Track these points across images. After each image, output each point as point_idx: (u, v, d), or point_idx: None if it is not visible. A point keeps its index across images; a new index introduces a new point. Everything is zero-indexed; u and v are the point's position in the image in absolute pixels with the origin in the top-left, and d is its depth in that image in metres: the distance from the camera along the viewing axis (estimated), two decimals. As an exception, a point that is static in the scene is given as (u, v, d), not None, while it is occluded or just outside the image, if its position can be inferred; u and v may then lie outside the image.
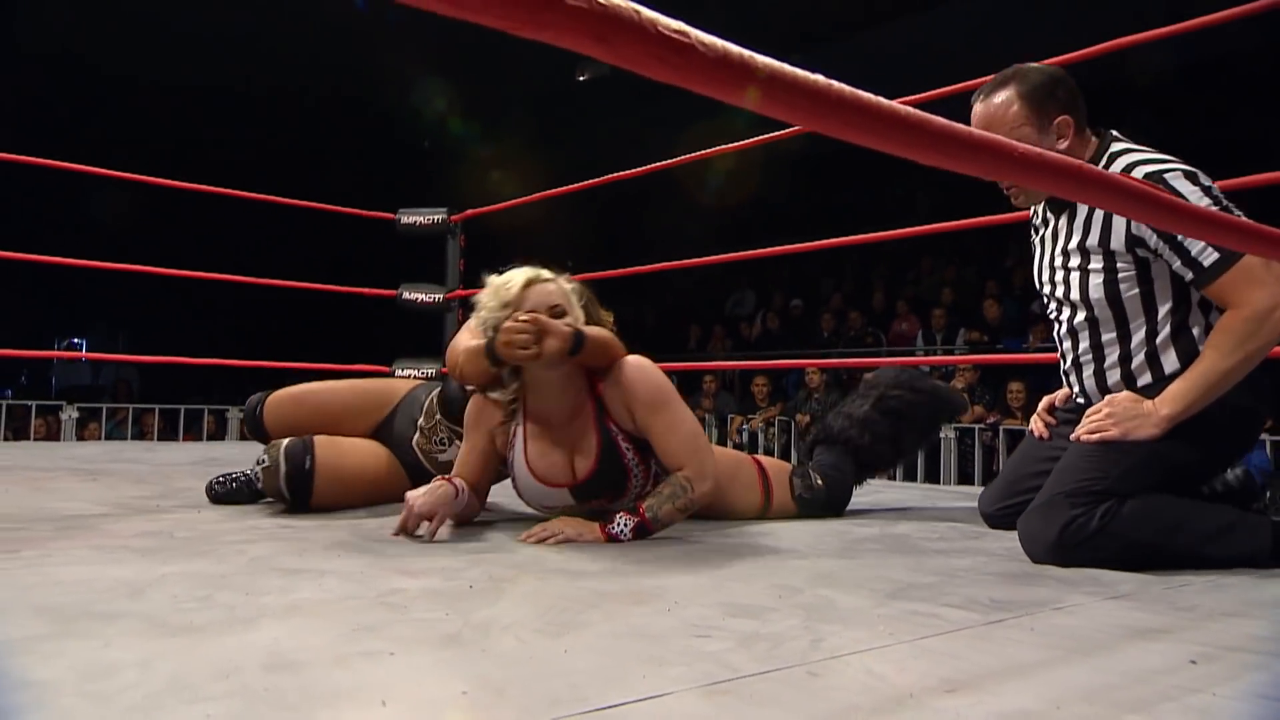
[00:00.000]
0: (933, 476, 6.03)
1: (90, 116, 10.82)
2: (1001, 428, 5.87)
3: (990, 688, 0.92)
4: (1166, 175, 1.74)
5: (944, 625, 1.18)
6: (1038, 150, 0.65)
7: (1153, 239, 1.75)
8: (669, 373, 2.03)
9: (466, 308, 5.21)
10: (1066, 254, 1.91)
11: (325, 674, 0.92)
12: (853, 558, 1.73)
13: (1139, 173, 1.76)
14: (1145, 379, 1.82)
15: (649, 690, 0.88)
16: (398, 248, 5.28)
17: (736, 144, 3.76)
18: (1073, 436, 1.82)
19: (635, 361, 1.93)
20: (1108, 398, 1.81)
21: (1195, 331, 1.78)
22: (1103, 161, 1.86)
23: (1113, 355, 1.87)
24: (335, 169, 10.95)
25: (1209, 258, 1.68)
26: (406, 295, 4.96)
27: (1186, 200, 1.71)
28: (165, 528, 1.91)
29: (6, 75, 10.03)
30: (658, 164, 4.04)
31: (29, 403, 7.52)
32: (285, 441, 2.10)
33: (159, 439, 7.10)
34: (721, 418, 7.34)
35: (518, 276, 1.85)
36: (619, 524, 1.79)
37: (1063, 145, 1.87)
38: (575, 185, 4.57)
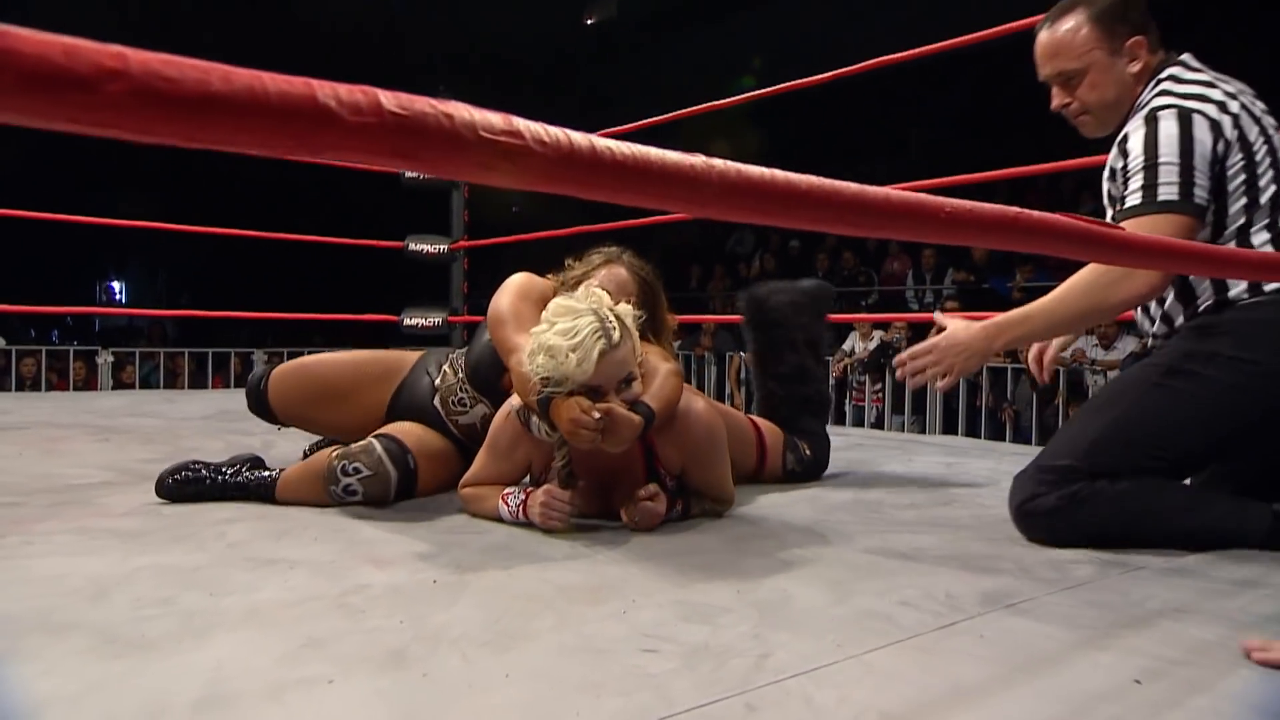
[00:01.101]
0: (919, 409, 5.96)
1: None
2: (984, 365, 5.77)
3: (927, 726, 0.85)
4: (1159, 112, 1.60)
5: (894, 633, 1.10)
6: (966, 205, 0.54)
7: (1119, 177, 1.66)
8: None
9: (471, 257, 5.13)
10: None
11: (254, 713, 0.86)
12: (820, 535, 1.66)
13: (1134, 120, 1.65)
14: (1159, 327, 1.73)
15: (577, 735, 0.81)
16: (404, 200, 5.15)
17: (733, 99, 3.56)
18: (897, 368, 1.75)
19: (695, 415, 1.72)
20: (946, 330, 1.72)
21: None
22: (1149, 88, 1.70)
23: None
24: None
25: (1133, 198, 1.57)
26: (413, 247, 4.86)
27: (1125, 153, 1.62)
28: (156, 503, 1.86)
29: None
30: (662, 116, 3.81)
31: (67, 348, 7.51)
32: (376, 446, 1.80)
33: (189, 381, 7.07)
34: (720, 355, 7.25)
35: (591, 348, 1.50)
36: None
37: (1135, 67, 1.70)
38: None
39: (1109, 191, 1.76)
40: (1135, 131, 1.62)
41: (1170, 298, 1.67)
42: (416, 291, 5.29)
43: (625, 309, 1.61)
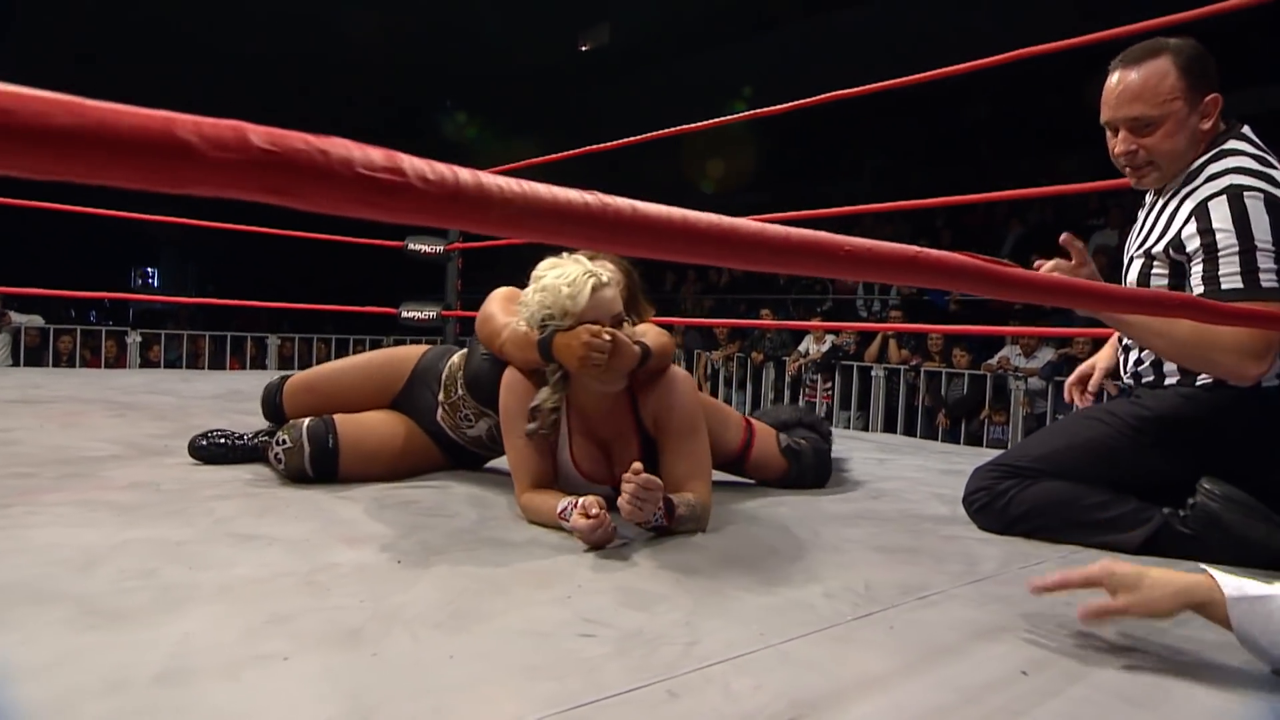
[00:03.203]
0: (864, 405, 5.97)
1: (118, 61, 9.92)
2: (922, 369, 5.78)
3: (832, 716, 0.82)
4: (1245, 192, 1.43)
5: (814, 622, 1.08)
6: (866, 244, 0.51)
7: (1193, 245, 1.47)
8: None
9: (466, 257, 5.07)
10: (1142, 246, 1.63)
11: (209, 689, 0.82)
12: (758, 527, 1.63)
13: (1209, 188, 1.48)
14: (1150, 377, 1.62)
15: (511, 717, 0.78)
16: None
17: (712, 122, 3.46)
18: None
19: (681, 381, 1.62)
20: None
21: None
22: (1209, 156, 1.54)
23: (1137, 350, 1.64)
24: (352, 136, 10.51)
25: (1231, 281, 1.41)
26: (412, 246, 4.80)
27: (1210, 228, 1.43)
28: (156, 477, 1.81)
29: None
30: (638, 136, 3.72)
31: (100, 328, 7.38)
32: (306, 422, 1.79)
33: (209, 361, 6.97)
34: (689, 353, 7.23)
35: (583, 283, 1.47)
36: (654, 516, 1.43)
37: (1207, 125, 1.53)
38: (566, 153, 4.25)
39: (1154, 251, 1.58)
40: (1216, 208, 1.45)
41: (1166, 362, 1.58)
42: (417, 287, 5.23)
43: (609, 266, 1.57)
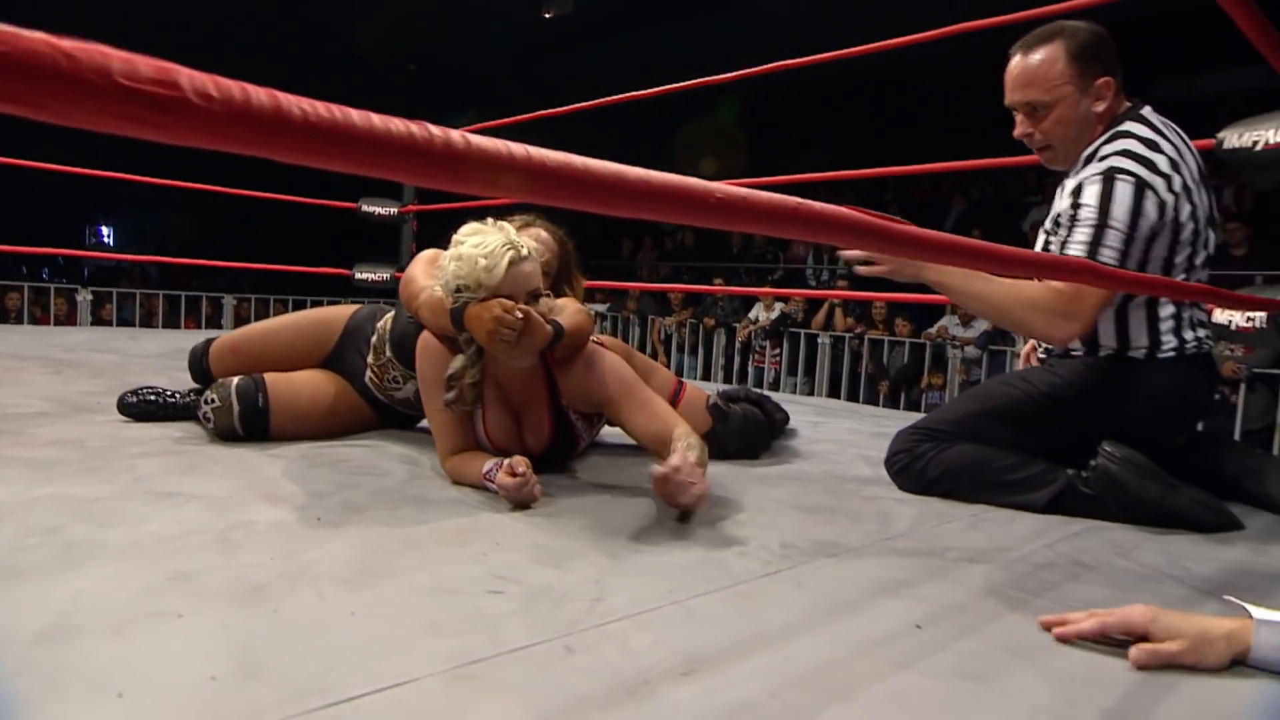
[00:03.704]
0: (810, 371, 6.01)
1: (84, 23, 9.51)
2: (866, 337, 5.83)
3: (725, 670, 0.81)
4: (1118, 174, 1.45)
5: (724, 579, 1.06)
6: (741, 192, 0.48)
7: (1065, 218, 1.51)
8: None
9: (421, 220, 4.94)
10: (1045, 223, 1.65)
11: (92, 647, 0.77)
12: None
13: (1093, 168, 1.50)
14: (1059, 348, 1.63)
15: (398, 676, 0.75)
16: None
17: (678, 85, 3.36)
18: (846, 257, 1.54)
19: (600, 354, 1.56)
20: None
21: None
22: (1105, 138, 1.55)
23: None
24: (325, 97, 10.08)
25: (1076, 248, 1.46)
26: (365, 208, 4.66)
27: (1079, 204, 1.46)
28: (83, 434, 1.73)
29: None
30: (591, 102, 3.60)
31: (49, 285, 7.08)
32: (235, 380, 1.72)
33: (163, 321, 6.74)
34: (644, 318, 7.19)
35: (500, 256, 1.39)
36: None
37: (1100, 108, 1.54)
38: (524, 116, 4.09)
39: (1047, 227, 1.62)
40: (1091, 185, 1.48)
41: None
42: (374, 249, 5.08)
43: (531, 241, 1.48)
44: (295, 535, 1.15)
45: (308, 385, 1.82)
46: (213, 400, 1.70)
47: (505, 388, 1.55)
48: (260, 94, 0.31)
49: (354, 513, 1.28)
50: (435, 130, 0.37)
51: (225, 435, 1.71)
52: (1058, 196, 1.64)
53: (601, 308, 7.37)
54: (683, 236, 9.56)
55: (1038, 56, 1.54)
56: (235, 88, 0.30)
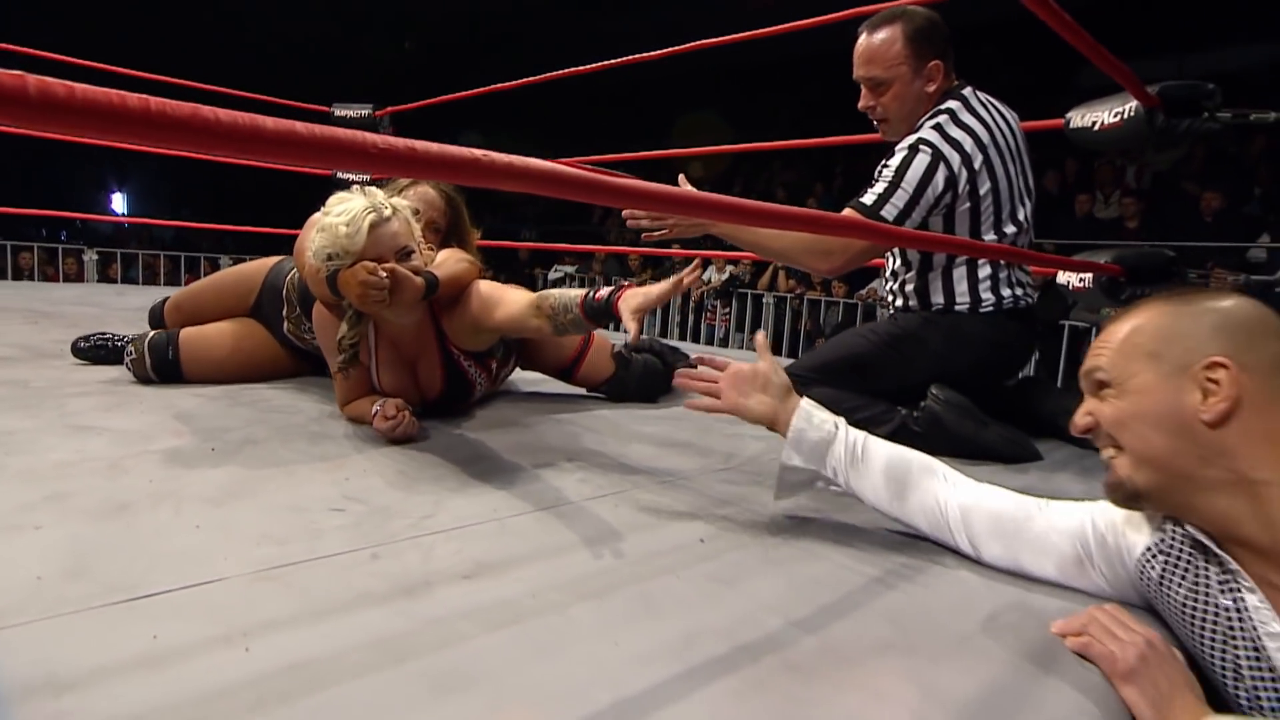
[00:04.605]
0: (756, 329, 6.04)
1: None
2: (805, 297, 5.87)
3: (502, 574, 0.85)
4: (921, 145, 1.52)
5: (547, 500, 1.11)
6: (539, 164, 0.51)
7: (876, 173, 1.57)
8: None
9: (395, 121, 4.83)
10: None
11: (-55, 553, 0.81)
12: (571, 429, 1.64)
13: (907, 139, 1.56)
14: (899, 302, 1.70)
15: (209, 576, 0.79)
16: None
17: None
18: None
19: (472, 288, 1.52)
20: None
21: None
22: (929, 115, 1.60)
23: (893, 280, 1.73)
24: (321, 69, 9.81)
25: (868, 197, 1.52)
26: (339, 113, 4.54)
27: (883, 165, 1.54)
28: (31, 376, 1.75)
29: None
30: (559, 72, 3.48)
31: (58, 245, 6.99)
32: (150, 334, 1.76)
33: (165, 279, 6.68)
34: (608, 279, 7.19)
35: (361, 220, 1.35)
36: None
37: (931, 88, 1.59)
38: (498, 86, 3.96)
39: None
40: (900, 150, 1.55)
41: (913, 291, 1.66)
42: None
43: (400, 201, 1.47)
44: (184, 462, 1.19)
45: (222, 337, 1.84)
46: (131, 352, 1.76)
47: (397, 343, 1.55)
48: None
49: (250, 445, 1.31)
50: (207, 112, 0.38)
51: (144, 383, 1.75)
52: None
53: (571, 269, 7.36)
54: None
55: (880, 36, 1.59)
56: None
